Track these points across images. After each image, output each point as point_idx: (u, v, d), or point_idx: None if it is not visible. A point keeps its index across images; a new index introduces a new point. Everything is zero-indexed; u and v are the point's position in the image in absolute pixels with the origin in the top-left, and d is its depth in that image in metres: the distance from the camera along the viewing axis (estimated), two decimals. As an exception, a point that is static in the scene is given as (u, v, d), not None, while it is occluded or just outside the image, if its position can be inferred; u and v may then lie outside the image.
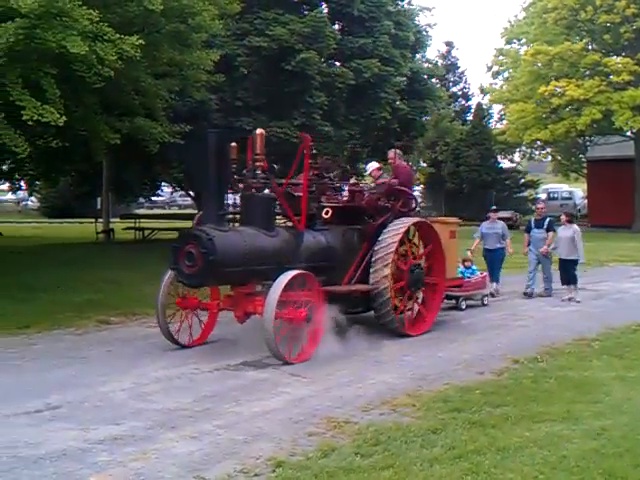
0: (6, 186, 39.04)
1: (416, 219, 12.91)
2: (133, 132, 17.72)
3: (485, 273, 16.81)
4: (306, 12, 24.44)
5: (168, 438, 7.18)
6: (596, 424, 7.60)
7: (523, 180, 52.74)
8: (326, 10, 25.33)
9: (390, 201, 12.85)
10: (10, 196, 53.19)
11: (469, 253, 16.98)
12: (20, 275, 16.93)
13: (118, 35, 14.04)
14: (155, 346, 11.12)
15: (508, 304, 16.33)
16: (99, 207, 34.79)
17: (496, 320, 14.16)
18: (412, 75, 28.93)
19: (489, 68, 51.03)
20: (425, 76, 31.63)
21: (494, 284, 17.30)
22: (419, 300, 12.94)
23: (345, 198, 12.89)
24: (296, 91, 23.39)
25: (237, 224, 11.55)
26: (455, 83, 59.12)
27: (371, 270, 11.91)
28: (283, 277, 10.17)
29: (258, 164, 11.12)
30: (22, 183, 35.83)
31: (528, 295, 17.16)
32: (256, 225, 10.94)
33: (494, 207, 18.87)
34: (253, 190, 11.17)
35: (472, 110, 55.06)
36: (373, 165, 14.13)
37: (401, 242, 12.25)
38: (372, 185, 13.78)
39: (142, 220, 31.92)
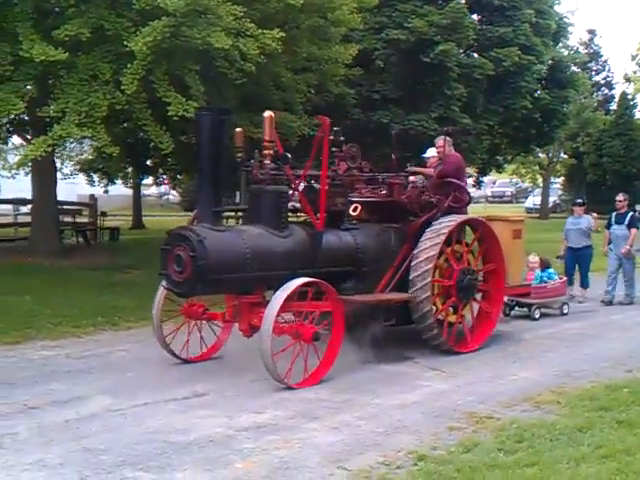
0: (150, 180, 40.52)
1: (467, 216, 11.18)
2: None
3: (565, 278, 14.51)
4: (444, 3, 24.16)
5: (310, 428, 7.26)
6: None
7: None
8: (464, 0, 24.99)
9: (438, 195, 10.99)
10: (153, 190, 54.99)
11: (559, 260, 15.15)
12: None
13: (260, 30, 14.31)
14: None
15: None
16: (238, 201, 35.49)
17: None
18: (553, 63, 28.21)
19: (634, 57, 49.17)
20: (567, 64, 30.79)
21: (575, 288, 15.37)
22: (472, 311, 11.08)
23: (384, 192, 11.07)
24: (434, 83, 23.21)
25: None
26: (598, 72, 57.15)
27: (410, 276, 10.21)
28: (287, 285, 8.67)
29: (267, 152, 9.62)
30: (164, 177, 37.04)
31: (606, 303, 14.90)
32: (264, 223, 9.38)
33: (579, 200, 16.87)
34: (261, 183, 9.64)
35: (616, 99, 53.16)
36: (432, 152, 12.12)
37: (448, 243, 10.49)
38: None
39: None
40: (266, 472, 6.12)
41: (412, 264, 10.19)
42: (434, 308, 10.25)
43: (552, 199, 50.84)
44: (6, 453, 6.48)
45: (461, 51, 24.31)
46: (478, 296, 11.19)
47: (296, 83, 18.19)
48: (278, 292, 8.63)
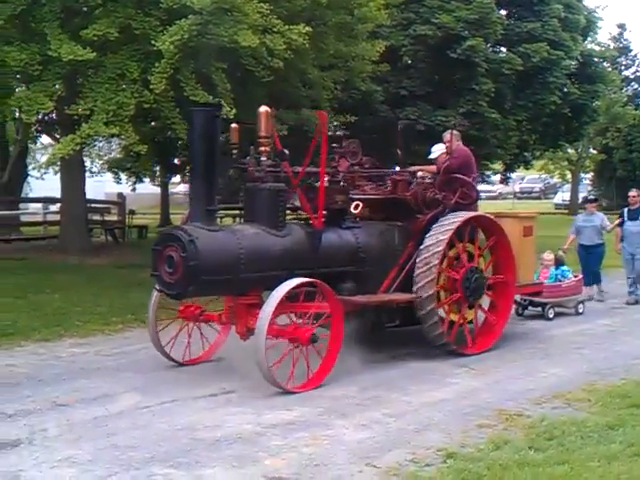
0: (177, 179, 40.65)
1: (474, 213, 10.63)
2: (299, 123, 18.01)
3: (580, 275, 13.99)
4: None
5: (338, 425, 7.24)
6: None
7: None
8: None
9: (444, 191, 10.53)
10: (180, 188, 55.26)
11: (561, 252, 14.25)
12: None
13: (287, 26, 14.32)
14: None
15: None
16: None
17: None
18: (583, 59, 27.95)
19: (664, 52, 48.60)
20: (596, 59, 30.51)
21: (592, 287, 14.78)
22: (480, 311, 10.66)
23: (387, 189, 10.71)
24: (462, 79, 23.10)
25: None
26: (627, 67, 56.65)
27: (414, 273, 9.86)
28: (282, 286, 8.34)
29: (263, 149, 9.28)
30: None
31: (632, 304, 14.31)
32: (260, 222, 9.05)
33: (592, 197, 16.01)
34: (256, 181, 9.28)
35: (645, 94, 52.63)
36: (439, 148, 11.30)
37: (454, 241, 10.13)
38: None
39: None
40: (295, 469, 6.11)
41: (417, 261, 9.86)
42: (435, 307, 9.83)
43: (581, 195, 50.44)
44: (36, 450, 6.52)
45: (489, 46, 24.16)
46: (486, 300, 10.78)
47: (323, 80, 18.18)
48: (272, 294, 8.31)
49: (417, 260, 9.85)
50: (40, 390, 8.39)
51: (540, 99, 25.56)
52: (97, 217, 25.33)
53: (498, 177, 39.76)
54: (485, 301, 10.75)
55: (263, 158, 9.30)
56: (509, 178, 38.82)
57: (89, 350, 10.37)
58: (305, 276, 8.67)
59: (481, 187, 50.24)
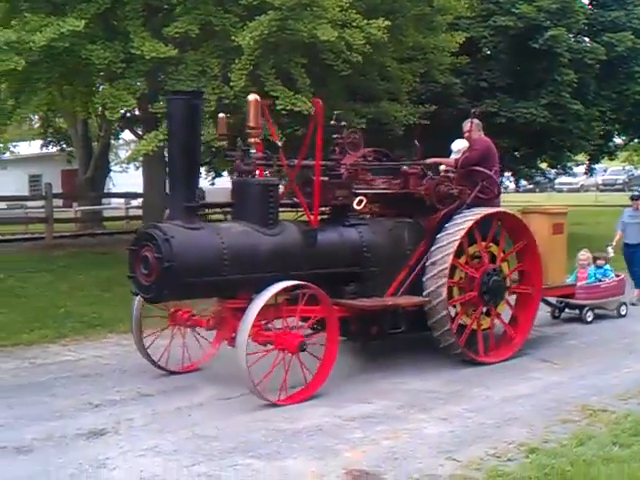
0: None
1: (493, 209, 9.75)
2: (378, 116, 17.97)
3: (622, 275, 12.88)
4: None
5: (418, 419, 7.23)
6: None
7: None
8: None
9: (462, 186, 9.76)
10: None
11: (610, 249, 13.13)
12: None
13: (365, 21, 14.32)
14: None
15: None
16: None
17: None
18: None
19: None
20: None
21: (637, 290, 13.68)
22: (500, 317, 9.87)
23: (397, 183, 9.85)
24: (543, 69, 22.70)
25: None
26: None
27: (424, 277, 9.11)
28: (265, 292, 7.69)
29: (252, 140, 8.56)
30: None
31: None
32: (249, 220, 8.30)
33: (637, 193, 15.04)
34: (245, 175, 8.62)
35: None
36: (462, 144, 10.36)
37: (470, 239, 9.39)
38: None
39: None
40: (375, 462, 6.11)
41: (427, 264, 9.11)
42: (447, 313, 9.06)
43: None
44: (122, 439, 6.68)
45: (571, 36, 23.70)
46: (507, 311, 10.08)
47: (402, 72, 18.09)
48: (255, 299, 7.71)
49: (427, 262, 9.11)
50: (125, 381, 8.60)
51: (624, 89, 24.99)
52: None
53: (581, 169, 38.96)
54: (505, 312, 10.04)
55: (253, 150, 8.63)
56: (593, 169, 38.00)
57: (174, 343, 10.50)
58: (300, 278, 8.05)
59: (563, 179, 49.94)
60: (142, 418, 7.27)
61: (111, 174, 30.08)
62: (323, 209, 8.98)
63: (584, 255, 12.73)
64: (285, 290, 7.98)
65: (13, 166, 40.00)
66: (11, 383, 8.64)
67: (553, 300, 11.82)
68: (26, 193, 37.32)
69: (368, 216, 9.56)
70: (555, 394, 8.06)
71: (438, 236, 9.22)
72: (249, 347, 7.54)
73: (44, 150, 38.47)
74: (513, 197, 36.64)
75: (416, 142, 10.70)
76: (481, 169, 9.87)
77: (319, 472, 5.92)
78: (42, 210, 22.08)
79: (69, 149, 34.47)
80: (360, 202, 9.09)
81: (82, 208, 26.20)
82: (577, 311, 12.08)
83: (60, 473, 5.90)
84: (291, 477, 5.85)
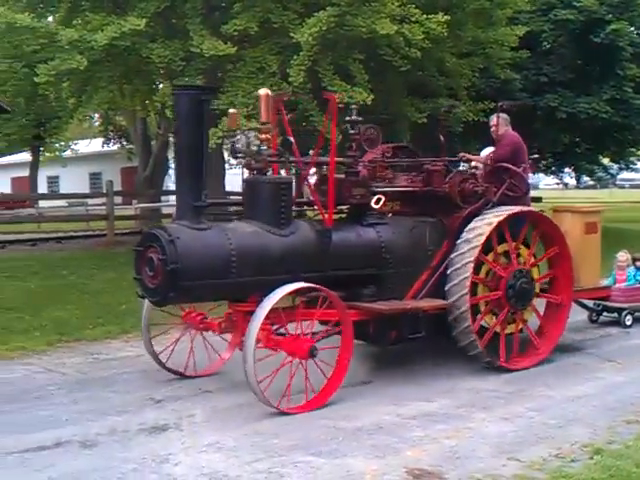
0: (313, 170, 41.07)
1: (520, 208, 9.14)
2: (436, 112, 17.86)
3: None
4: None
5: (480, 418, 7.15)
6: None
7: None
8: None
9: (489, 183, 9.30)
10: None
11: None
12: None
13: (425, 16, 14.25)
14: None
15: None
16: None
17: None
18: None
19: None
20: None
21: None
22: (526, 323, 9.31)
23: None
24: (605, 64, 22.34)
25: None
26: None
27: (447, 286, 8.61)
28: (272, 295, 7.35)
29: (263, 137, 8.07)
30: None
31: None
32: (260, 220, 7.92)
33: None
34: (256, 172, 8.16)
35: None
36: (490, 151, 10.01)
37: (505, 236, 8.97)
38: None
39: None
40: (436, 461, 6.06)
41: (448, 270, 8.65)
42: (467, 309, 8.53)
43: None
44: (184, 434, 6.72)
45: (634, 30, 23.27)
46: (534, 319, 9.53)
47: (460, 68, 17.96)
48: (263, 302, 7.36)
49: (449, 269, 8.65)
50: (186, 377, 8.64)
51: (690, 83, 24.48)
52: (235, 208, 25.82)
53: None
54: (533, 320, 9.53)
55: (263, 147, 8.12)
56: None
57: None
58: (314, 280, 7.73)
59: (625, 175, 49.10)
60: (203, 414, 7.31)
61: (170, 172, 30.36)
62: (342, 208, 8.73)
63: (623, 256, 11.99)
64: (300, 292, 7.75)
65: (74, 164, 40.66)
66: (75, 378, 8.74)
67: (590, 303, 11.40)
68: (87, 191, 37.90)
69: (389, 215, 9.12)
70: (619, 394, 7.91)
71: (461, 235, 8.75)
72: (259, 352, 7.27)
73: (104, 148, 39.05)
74: (574, 193, 36.09)
75: (441, 137, 10.24)
76: (509, 165, 9.43)
77: (380, 470, 5.87)
78: (103, 207, 22.37)
79: (129, 146, 34.93)
80: (378, 200, 8.65)
81: (142, 205, 26.47)
82: (615, 314, 11.48)
83: (123, 468, 5.95)
84: (352, 475, 5.82)
